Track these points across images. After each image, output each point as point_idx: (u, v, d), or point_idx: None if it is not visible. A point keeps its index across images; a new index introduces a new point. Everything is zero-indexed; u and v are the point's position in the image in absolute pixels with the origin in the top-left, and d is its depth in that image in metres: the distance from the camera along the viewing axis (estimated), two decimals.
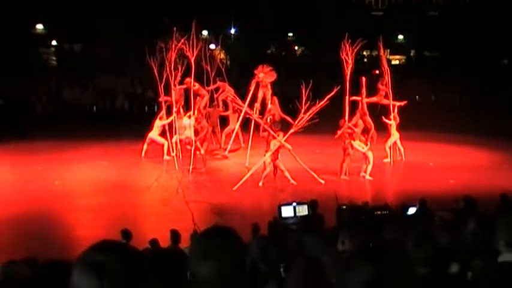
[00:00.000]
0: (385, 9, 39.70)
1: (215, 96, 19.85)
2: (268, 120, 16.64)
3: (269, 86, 17.77)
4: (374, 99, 18.41)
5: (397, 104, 18.23)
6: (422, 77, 27.56)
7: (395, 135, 17.94)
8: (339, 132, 16.04)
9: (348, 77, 16.82)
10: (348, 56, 16.80)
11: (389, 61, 37.43)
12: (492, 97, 25.71)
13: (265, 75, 17.83)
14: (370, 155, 15.96)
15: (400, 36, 39.11)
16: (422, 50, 38.41)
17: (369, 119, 17.64)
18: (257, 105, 17.72)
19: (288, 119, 16.88)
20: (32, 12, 32.70)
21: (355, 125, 17.11)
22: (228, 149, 18.97)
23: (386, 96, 18.32)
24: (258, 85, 17.93)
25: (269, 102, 17.56)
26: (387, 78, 18.11)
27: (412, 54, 39.34)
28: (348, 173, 15.97)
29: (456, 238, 4.05)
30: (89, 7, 30.66)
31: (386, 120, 17.86)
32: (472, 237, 3.90)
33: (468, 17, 35.16)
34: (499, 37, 32.07)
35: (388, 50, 38.22)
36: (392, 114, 17.98)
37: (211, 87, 19.84)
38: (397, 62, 39.35)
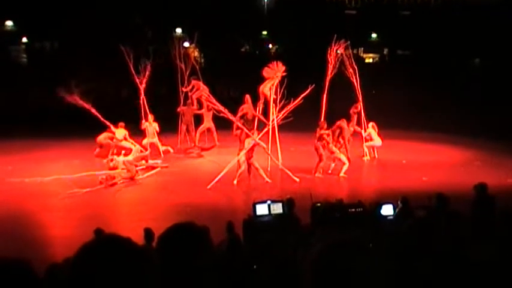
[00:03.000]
0: (358, 8, 39.92)
1: (189, 94, 19.78)
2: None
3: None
4: (351, 129, 17.95)
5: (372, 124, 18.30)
6: (395, 76, 27.83)
7: (377, 140, 18.11)
8: (318, 132, 15.92)
9: (328, 78, 17.00)
10: (330, 57, 16.94)
11: (363, 59, 37.77)
12: (463, 95, 26.05)
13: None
14: (342, 157, 16.14)
15: (374, 35, 39.40)
16: (395, 49, 38.76)
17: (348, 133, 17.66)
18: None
19: (261, 117, 16.89)
20: (1, 9, 32.11)
21: (333, 131, 17.17)
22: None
23: (358, 120, 18.24)
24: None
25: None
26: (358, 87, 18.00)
27: (385, 52, 39.66)
28: (322, 171, 16.03)
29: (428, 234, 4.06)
30: (60, 4, 30.20)
31: (366, 137, 18.09)
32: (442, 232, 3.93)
33: (440, 16, 35.56)
34: (471, 36, 32.49)
35: (362, 49, 38.56)
36: (369, 129, 18.10)
37: (187, 88, 19.74)
38: (370, 60, 39.63)
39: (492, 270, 3.09)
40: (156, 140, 18.25)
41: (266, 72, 16.41)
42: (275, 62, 16.52)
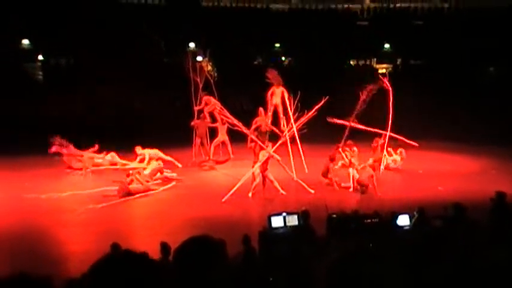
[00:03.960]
0: (370, 19, 39.92)
1: (202, 108, 19.80)
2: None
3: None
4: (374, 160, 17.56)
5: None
6: (409, 85, 27.73)
7: (397, 164, 18.35)
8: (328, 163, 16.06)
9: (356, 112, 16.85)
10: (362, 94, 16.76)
11: (376, 70, 37.67)
12: (478, 104, 25.87)
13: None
14: (353, 172, 16.21)
15: (387, 45, 39.33)
16: (408, 59, 38.66)
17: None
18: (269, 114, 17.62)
19: (275, 129, 16.94)
20: (18, 28, 32.56)
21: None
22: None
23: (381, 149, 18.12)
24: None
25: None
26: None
27: (398, 62, 39.57)
28: (334, 184, 16.00)
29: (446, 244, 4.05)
30: (75, 22, 30.55)
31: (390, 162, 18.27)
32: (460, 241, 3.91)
33: (453, 25, 35.47)
34: (485, 45, 32.32)
35: (375, 59, 38.47)
36: (396, 155, 18.27)
37: (200, 106, 19.70)
38: (384, 70, 39.50)
39: (507, 275, 3.07)
40: (159, 155, 18.23)
41: (274, 79, 16.98)
42: (270, 70, 17.16)
